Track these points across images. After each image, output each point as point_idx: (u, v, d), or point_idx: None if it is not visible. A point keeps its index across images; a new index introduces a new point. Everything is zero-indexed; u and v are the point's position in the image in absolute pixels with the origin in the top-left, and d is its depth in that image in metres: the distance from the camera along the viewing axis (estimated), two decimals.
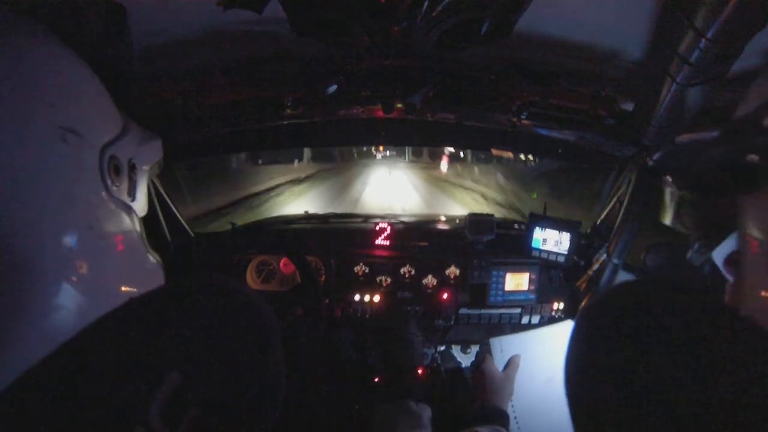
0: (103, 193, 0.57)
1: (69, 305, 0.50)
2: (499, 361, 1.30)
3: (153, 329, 0.38)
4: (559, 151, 1.52)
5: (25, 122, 0.46)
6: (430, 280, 1.58)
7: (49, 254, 0.48)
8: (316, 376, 1.49)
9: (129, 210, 0.63)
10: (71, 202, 0.51)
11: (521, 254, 1.57)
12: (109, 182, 0.58)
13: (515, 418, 1.20)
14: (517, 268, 1.57)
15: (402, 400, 1.11)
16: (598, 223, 1.62)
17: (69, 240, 0.50)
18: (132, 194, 0.64)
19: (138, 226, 0.67)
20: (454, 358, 1.59)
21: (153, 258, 0.73)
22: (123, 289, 0.60)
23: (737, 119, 0.58)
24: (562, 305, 1.60)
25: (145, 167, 0.70)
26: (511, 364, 1.27)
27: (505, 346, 1.34)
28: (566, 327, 1.39)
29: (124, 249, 0.61)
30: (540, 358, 1.30)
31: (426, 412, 1.10)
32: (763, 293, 0.50)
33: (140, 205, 0.68)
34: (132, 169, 0.65)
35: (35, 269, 0.47)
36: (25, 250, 0.46)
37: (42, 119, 0.48)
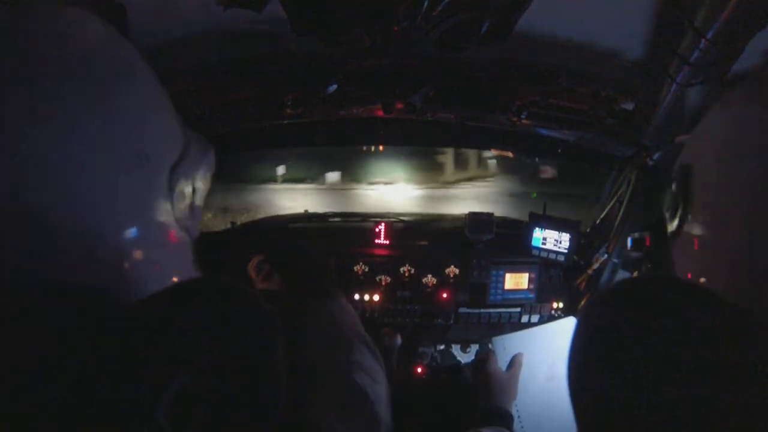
0: (170, 216, 0.56)
1: None
2: (502, 360, 1.30)
3: (156, 331, 0.38)
4: (559, 151, 1.52)
5: (105, 149, 0.46)
6: (429, 279, 1.58)
7: (119, 279, 0.48)
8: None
9: (190, 233, 0.62)
10: (145, 227, 0.51)
11: (521, 253, 1.58)
12: (175, 205, 0.56)
13: (519, 417, 1.20)
14: (517, 267, 1.57)
15: None
16: (597, 222, 1.62)
17: (138, 262, 0.51)
18: (192, 217, 0.62)
19: (191, 251, 0.65)
20: (453, 357, 1.59)
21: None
22: None
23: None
24: (561, 304, 1.60)
25: (204, 188, 0.67)
26: (514, 363, 1.26)
27: (508, 345, 1.33)
28: (568, 324, 1.39)
29: (182, 274, 0.60)
30: (543, 355, 1.30)
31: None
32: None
33: (196, 225, 0.65)
34: (194, 191, 0.63)
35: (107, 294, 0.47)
36: (98, 274, 0.46)
37: (120, 147, 0.48)
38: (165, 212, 0.54)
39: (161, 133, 0.57)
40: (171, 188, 0.55)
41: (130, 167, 0.48)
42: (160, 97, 0.59)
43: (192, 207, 0.62)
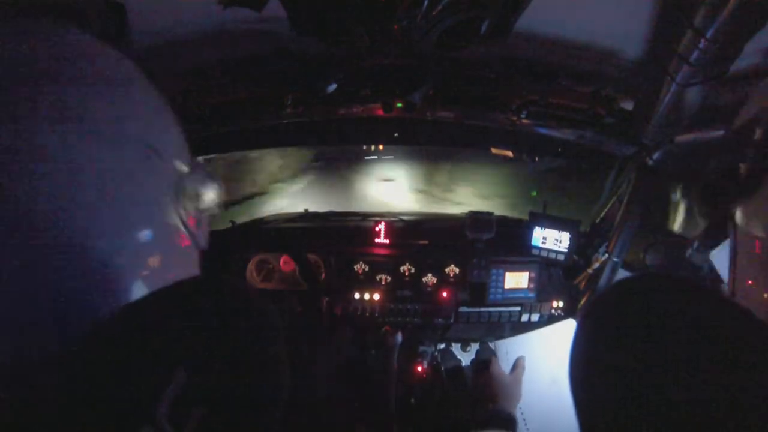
0: (176, 220, 0.58)
1: None
2: (504, 363, 1.30)
3: (154, 331, 0.38)
4: (559, 150, 1.52)
5: (116, 137, 0.49)
6: (429, 278, 1.58)
7: (121, 274, 0.49)
8: (315, 374, 1.49)
9: (192, 238, 0.64)
10: (146, 224, 0.52)
11: (521, 253, 1.58)
12: (182, 210, 0.58)
13: (524, 420, 1.20)
14: (517, 266, 1.57)
15: None
16: (597, 221, 1.62)
17: (142, 263, 0.52)
18: (198, 225, 0.64)
19: (197, 259, 0.66)
20: (453, 356, 1.59)
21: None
22: None
23: (739, 124, 0.59)
24: (561, 303, 1.60)
25: (211, 204, 0.70)
26: (517, 366, 1.26)
27: (510, 348, 1.33)
28: (569, 326, 1.39)
29: (179, 271, 0.61)
30: (545, 358, 1.30)
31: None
32: (765, 294, 0.50)
33: (204, 237, 0.67)
34: (198, 198, 0.64)
35: (108, 288, 0.47)
36: (100, 267, 0.47)
37: (131, 136, 0.51)
38: (173, 212, 0.56)
39: (170, 133, 0.60)
40: (178, 185, 0.56)
41: (137, 157, 0.50)
42: (170, 114, 0.62)
43: (200, 214, 0.63)
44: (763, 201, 0.52)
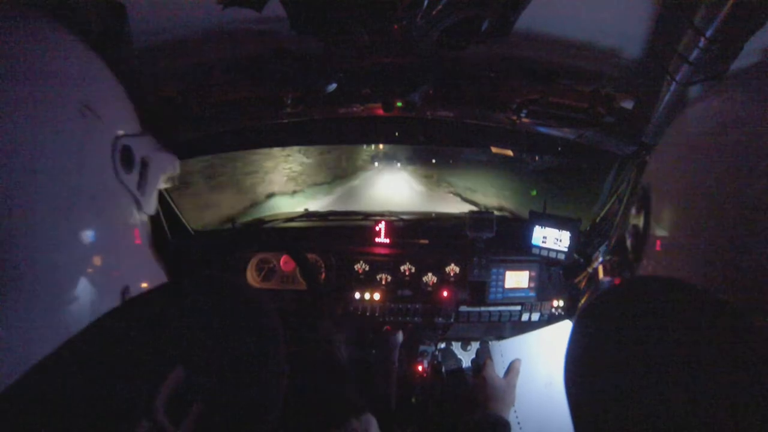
0: (111, 174, 0.58)
1: (64, 281, 0.49)
2: (499, 366, 1.30)
3: (153, 328, 0.38)
4: (559, 149, 1.52)
5: (45, 94, 0.49)
6: (430, 278, 1.58)
7: (52, 219, 0.49)
8: (315, 374, 1.50)
9: (135, 201, 0.64)
10: (79, 171, 0.52)
11: (521, 252, 1.58)
12: (118, 166, 0.58)
13: (518, 423, 1.20)
14: (517, 265, 1.58)
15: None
16: (597, 221, 1.62)
17: (71, 210, 0.51)
18: (141, 189, 0.64)
19: (144, 221, 0.67)
20: (454, 355, 1.59)
21: (154, 257, 0.72)
22: (117, 275, 0.58)
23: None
24: (561, 303, 1.60)
25: (159, 172, 0.71)
26: (511, 369, 1.26)
27: (505, 351, 1.34)
28: (565, 328, 1.40)
29: (123, 235, 0.62)
30: (541, 361, 1.30)
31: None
32: None
33: (148, 202, 0.68)
34: (144, 165, 0.65)
35: (36, 236, 0.46)
36: (27, 212, 0.46)
37: (63, 92, 0.51)
38: (104, 165, 0.56)
39: (113, 106, 0.61)
40: (114, 148, 0.57)
41: (73, 113, 0.51)
42: (113, 83, 0.63)
43: (142, 180, 0.64)
44: None
